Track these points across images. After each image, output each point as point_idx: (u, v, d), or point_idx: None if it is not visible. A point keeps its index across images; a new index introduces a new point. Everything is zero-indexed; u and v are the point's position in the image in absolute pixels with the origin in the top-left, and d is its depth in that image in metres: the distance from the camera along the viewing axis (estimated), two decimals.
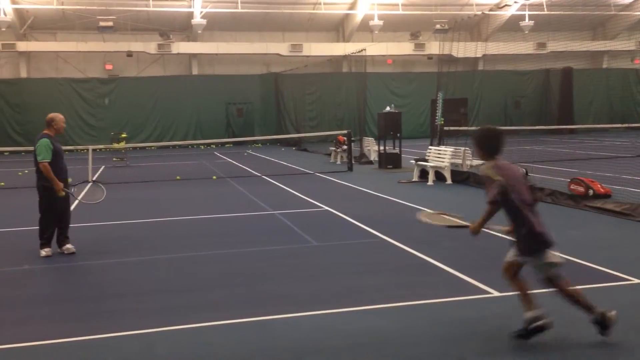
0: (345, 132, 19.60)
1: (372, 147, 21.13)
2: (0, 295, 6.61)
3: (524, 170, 4.79)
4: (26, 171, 17.77)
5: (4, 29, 27.90)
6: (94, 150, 18.05)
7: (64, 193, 8.03)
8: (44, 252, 8.09)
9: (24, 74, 30.51)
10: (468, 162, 15.16)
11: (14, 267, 7.72)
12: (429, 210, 5.14)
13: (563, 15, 31.56)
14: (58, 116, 8.29)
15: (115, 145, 22.35)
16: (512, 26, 32.18)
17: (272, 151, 27.27)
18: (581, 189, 11.36)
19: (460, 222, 5.22)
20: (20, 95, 29.62)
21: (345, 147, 19.38)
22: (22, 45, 29.74)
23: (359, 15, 31.87)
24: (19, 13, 28.87)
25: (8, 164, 22.74)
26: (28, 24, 29.60)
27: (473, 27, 33.94)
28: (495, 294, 6.13)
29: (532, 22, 31.63)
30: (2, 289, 6.86)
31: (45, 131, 8.15)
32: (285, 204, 12.11)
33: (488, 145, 4.95)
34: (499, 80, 32.92)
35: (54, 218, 8.13)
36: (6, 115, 29.62)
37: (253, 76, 32.60)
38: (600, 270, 6.86)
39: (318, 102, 31.99)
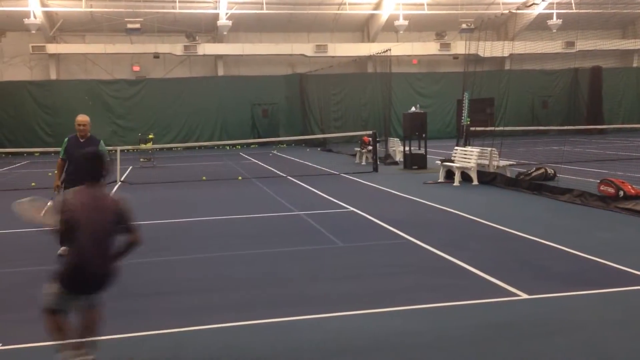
0: (370, 132, 19.56)
1: (397, 148, 21.05)
2: (32, 294, 6.72)
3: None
4: (56, 171, 18.07)
5: (34, 32, 28.40)
6: (121, 150, 18.31)
7: (55, 191, 8.37)
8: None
9: (53, 76, 31.05)
10: (495, 163, 15.01)
11: (44, 266, 7.84)
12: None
13: (592, 14, 31.09)
14: (76, 119, 8.41)
15: (143, 146, 22.60)
16: (539, 25, 31.79)
17: (297, 152, 27.32)
18: (611, 190, 11.16)
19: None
20: (50, 97, 30.15)
21: (370, 147, 19.33)
22: (52, 48, 30.27)
23: (384, 15, 31.77)
24: (48, 16, 29.39)
25: (39, 164, 23.16)
26: (57, 27, 30.11)
27: (500, 26, 33.61)
28: (524, 296, 6.05)
29: (560, 21, 31.20)
30: (34, 288, 6.97)
31: None
32: (311, 205, 12.12)
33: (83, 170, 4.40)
34: (526, 80, 32.53)
35: None
36: (36, 117, 30.16)
37: (278, 77, 32.71)
38: (632, 272, 6.73)
39: (343, 103, 31.99)
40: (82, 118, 8.39)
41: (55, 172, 8.39)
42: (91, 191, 4.29)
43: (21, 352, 5.04)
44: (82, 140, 8.31)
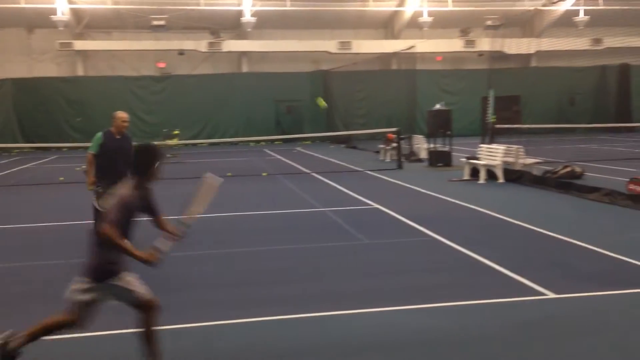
0: (394, 129, 19.50)
1: (421, 145, 20.96)
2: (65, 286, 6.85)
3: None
4: (83, 167, 18.34)
5: (61, 29, 28.82)
6: None
7: (90, 187, 8.16)
8: None
9: (80, 72, 31.48)
10: (521, 161, 14.87)
11: (67, 260, 7.98)
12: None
13: (619, 10, 30.53)
14: (117, 114, 8.37)
15: (168, 142, 22.82)
16: (566, 22, 31.34)
17: (322, 148, 27.36)
18: None
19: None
20: (77, 93, 30.55)
21: (394, 144, 19.28)
22: (79, 44, 30.67)
23: (407, 11, 31.63)
24: (75, 13, 29.80)
25: (67, 159, 23.51)
26: (84, 24, 30.51)
27: (525, 22, 33.22)
28: (551, 295, 6.00)
29: (587, 17, 30.74)
30: (66, 281, 7.10)
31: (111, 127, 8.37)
32: (335, 201, 12.14)
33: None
34: (553, 77, 32.07)
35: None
36: (64, 113, 30.59)
37: (302, 74, 32.72)
38: None
39: (367, 100, 31.87)
40: (125, 115, 8.39)
41: (87, 167, 8.32)
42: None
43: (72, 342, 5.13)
44: (118, 137, 8.30)
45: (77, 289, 4.23)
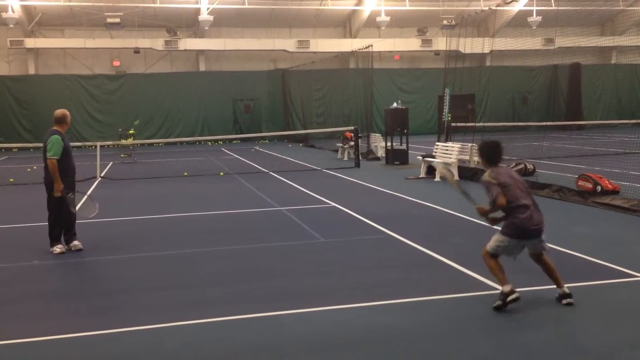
0: (352, 128, 19.61)
1: (379, 144, 21.12)
2: (10, 290, 6.67)
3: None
4: (35, 167, 17.86)
5: (12, 26, 28.01)
6: (101, 146, 18.15)
7: (59, 194, 7.90)
8: (57, 249, 8.06)
9: (32, 71, 30.65)
10: (475, 159, 15.12)
11: (23, 262, 7.78)
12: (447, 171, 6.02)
13: (571, 11, 31.39)
14: (67, 114, 8.35)
15: (123, 142, 22.43)
16: (519, 22, 32.05)
17: (279, 147, 27.30)
18: (589, 185, 11.33)
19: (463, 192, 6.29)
20: (29, 92, 29.76)
21: (352, 143, 19.39)
22: (30, 42, 29.87)
23: (365, 11, 31.82)
24: (27, 10, 29.00)
25: (17, 160, 22.87)
26: (36, 21, 29.72)
27: (480, 22, 33.83)
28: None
29: (539, 18, 31.48)
30: (13, 284, 6.92)
31: (55, 127, 8.15)
32: (293, 200, 12.14)
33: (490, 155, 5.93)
34: (507, 76, 32.76)
35: (62, 215, 8.11)
36: (15, 112, 29.76)
37: (260, 72, 32.61)
38: (608, 266, 6.85)
39: (325, 98, 31.96)
40: (68, 112, 8.38)
41: (53, 174, 7.88)
42: (502, 167, 5.87)
43: (13, 347, 4.99)
44: (65, 136, 8.27)
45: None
